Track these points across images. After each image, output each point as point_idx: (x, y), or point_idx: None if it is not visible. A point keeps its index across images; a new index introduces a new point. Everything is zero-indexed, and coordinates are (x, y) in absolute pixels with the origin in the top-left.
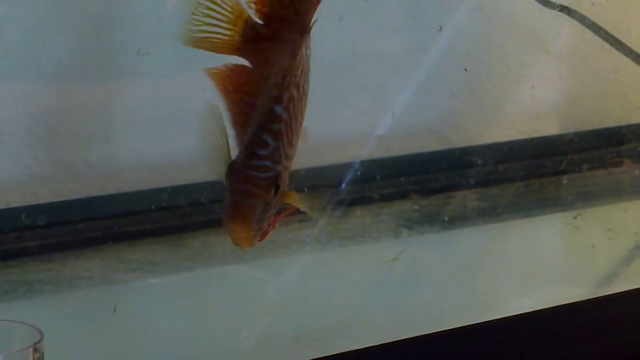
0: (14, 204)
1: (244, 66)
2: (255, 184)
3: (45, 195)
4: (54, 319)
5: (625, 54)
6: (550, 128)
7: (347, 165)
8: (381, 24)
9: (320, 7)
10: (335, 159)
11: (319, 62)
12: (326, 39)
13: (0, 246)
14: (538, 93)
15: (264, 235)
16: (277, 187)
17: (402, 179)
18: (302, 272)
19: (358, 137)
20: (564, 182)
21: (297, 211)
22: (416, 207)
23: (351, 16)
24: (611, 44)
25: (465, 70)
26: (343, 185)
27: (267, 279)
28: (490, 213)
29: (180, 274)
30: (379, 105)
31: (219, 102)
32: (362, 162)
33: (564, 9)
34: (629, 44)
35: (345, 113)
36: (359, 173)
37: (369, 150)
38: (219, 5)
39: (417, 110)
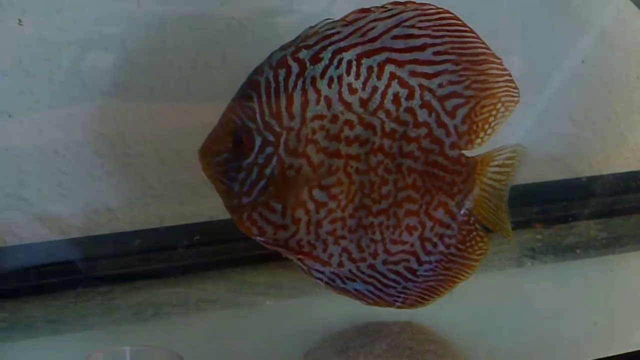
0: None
1: None
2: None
3: (168, 217)
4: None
5: None
6: None
7: None
8: (498, 49)
9: None
10: None
11: None
12: None
13: (128, 268)
14: None
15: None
16: (239, 142)
17: (524, 207)
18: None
19: None
20: None
21: None
22: (539, 236)
23: None
24: None
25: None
26: None
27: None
28: (613, 243)
29: (299, 298)
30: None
31: None
32: None
33: None
34: None
35: None
36: None
37: None
38: None
39: (538, 138)
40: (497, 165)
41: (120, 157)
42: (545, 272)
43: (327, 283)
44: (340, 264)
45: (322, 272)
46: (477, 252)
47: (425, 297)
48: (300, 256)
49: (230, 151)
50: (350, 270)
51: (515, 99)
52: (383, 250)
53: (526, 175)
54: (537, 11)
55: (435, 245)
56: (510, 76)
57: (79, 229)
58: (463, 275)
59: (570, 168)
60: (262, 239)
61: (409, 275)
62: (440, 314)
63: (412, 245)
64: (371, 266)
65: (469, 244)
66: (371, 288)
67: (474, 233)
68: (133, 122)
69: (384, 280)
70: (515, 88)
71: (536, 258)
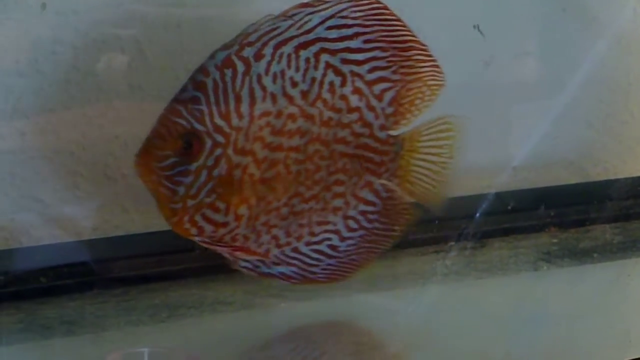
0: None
1: None
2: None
3: None
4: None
5: None
6: None
7: (482, 196)
8: (517, 52)
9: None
10: (470, 189)
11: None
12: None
13: (143, 270)
14: None
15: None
16: (190, 146)
17: (540, 211)
18: (439, 302)
19: (493, 167)
20: None
21: None
22: (555, 240)
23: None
24: None
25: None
26: (477, 215)
27: (399, 309)
28: (630, 247)
29: (315, 300)
30: (515, 135)
31: None
32: (497, 194)
33: None
34: None
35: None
36: (494, 204)
37: (505, 181)
38: None
39: (554, 141)
40: (430, 139)
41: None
42: (561, 276)
43: (250, 270)
44: (267, 251)
45: (247, 261)
46: (400, 222)
47: (349, 270)
48: (233, 250)
49: (177, 155)
50: (275, 255)
51: (440, 82)
52: (308, 232)
53: (542, 179)
54: (553, 14)
55: (358, 222)
56: (436, 61)
57: (94, 230)
58: (384, 245)
59: (586, 171)
60: (198, 238)
61: (332, 252)
62: (455, 317)
63: (335, 224)
64: (295, 249)
65: (393, 217)
66: (295, 269)
67: (398, 206)
68: (148, 123)
69: (307, 260)
70: (441, 72)
71: (552, 262)
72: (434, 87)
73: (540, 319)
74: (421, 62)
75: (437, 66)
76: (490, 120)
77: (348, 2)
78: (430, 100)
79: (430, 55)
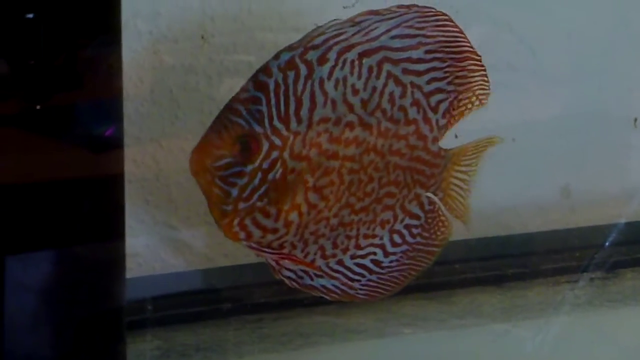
0: None
1: None
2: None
3: None
4: None
5: None
6: None
7: (612, 226)
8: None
9: None
10: (599, 219)
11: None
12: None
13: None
14: None
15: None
16: (247, 148)
17: None
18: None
19: (623, 195)
20: None
21: None
22: None
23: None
24: None
25: None
26: (607, 245)
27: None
28: None
29: (447, 330)
30: None
31: None
32: (627, 223)
33: None
34: None
35: (609, 171)
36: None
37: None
38: None
39: None
40: (474, 156)
41: None
42: None
43: (293, 280)
44: (313, 262)
45: (292, 271)
46: (440, 238)
47: (388, 288)
48: (280, 258)
49: (234, 156)
50: (319, 267)
51: (487, 91)
52: (354, 245)
53: None
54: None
55: (402, 236)
56: (485, 70)
57: (226, 257)
58: (425, 263)
59: None
60: (246, 243)
61: (375, 268)
62: (583, 348)
63: (381, 238)
64: (340, 262)
65: (433, 231)
66: (336, 283)
67: (438, 220)
68: None
69: (350, 275)
70: (487, 81)
71: None
72: (482, 97)
73: None
74: (473, 72)
75: (485, 75)
76: (619, 149)
77: (415, 12)
78: (476, 109)
79: (482, 65)
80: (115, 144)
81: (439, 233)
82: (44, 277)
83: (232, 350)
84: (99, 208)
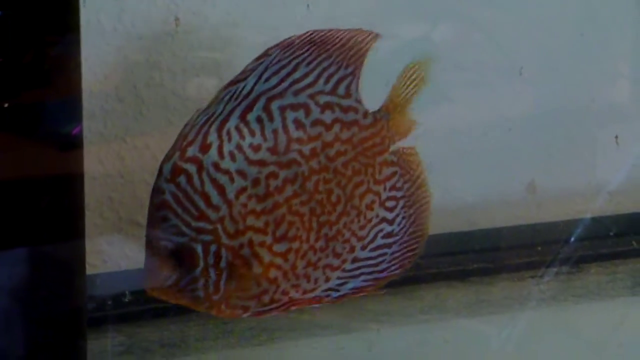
0: None
1: None
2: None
3: None
4: None
5: None
6: None
7: (577, 221)
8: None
9: None
10: (564, 214)
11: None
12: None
13: None
14: None
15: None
16: (182, 260)
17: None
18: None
19: (588, 191)
20: None
21: None
22: None
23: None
24: None
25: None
26: (572, 240)
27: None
28: None
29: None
30: (611, 159)
31: None
32: (593, 219)
33: None
34: None
35: (575, 167)
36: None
37: (599, 206)
38: None
39: None
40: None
41: None
42: None
43: (323, 298)
44: (327, 280)
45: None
46: (419, 170)
47: (415, 243)
48: (285, 310)
49: (177, 271)
50: (338, 277)
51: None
52: (357, 240)
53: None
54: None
55: (393, 197)
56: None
57: None
58: (426, 196)
59: None
60: (248, 313)
61: (390, 240)
62: (548, 343)
63: (377, 215)
64: (355, 259)
65: (411, 167)
66: (364, 277)
67: (408, 156)
68: None
69: (372, 262)
70: (364, 30)
71: None
72: (370, 40)
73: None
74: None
75: (355, 29)
76: (586, 144)
77: (275, 49)
78: (372, 44)
79: (344, 31)
80: (77, 142)
81: (414, 167)
82: (2, 275)
83: (196, 346)
84: (58, 206)
